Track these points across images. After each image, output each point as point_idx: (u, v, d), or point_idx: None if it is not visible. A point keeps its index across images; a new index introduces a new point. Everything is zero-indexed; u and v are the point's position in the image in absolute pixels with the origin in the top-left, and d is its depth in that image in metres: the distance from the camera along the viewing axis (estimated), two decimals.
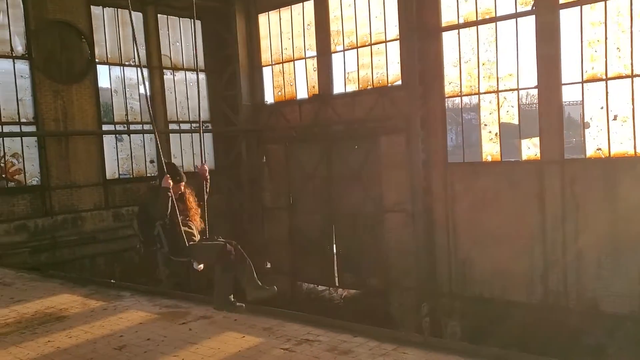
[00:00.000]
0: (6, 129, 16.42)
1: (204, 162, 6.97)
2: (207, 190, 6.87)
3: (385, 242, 18.71)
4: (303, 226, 21.16)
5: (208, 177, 6.88)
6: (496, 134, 16.50)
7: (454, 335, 17.08)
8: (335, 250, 20.42)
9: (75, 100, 17.87)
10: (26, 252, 14.97)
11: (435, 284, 17.58)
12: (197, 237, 6.72)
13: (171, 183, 6.38)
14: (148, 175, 20.12)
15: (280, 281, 21.70)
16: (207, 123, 22.23)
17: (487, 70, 16.48)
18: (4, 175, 16.53)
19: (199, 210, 6.81)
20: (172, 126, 20.93)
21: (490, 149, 16.62)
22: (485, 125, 16.68)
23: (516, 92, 16.09)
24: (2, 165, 16.50)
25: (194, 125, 21.82)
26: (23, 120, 16.87)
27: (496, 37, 16.12)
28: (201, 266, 6.66)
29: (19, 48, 16.91)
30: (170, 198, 6.30)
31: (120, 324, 7.54)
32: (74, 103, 17.83)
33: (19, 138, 16.73)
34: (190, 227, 6.65)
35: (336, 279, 20.48)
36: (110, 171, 19.07)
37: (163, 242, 6.50)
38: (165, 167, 6.58)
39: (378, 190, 18.85)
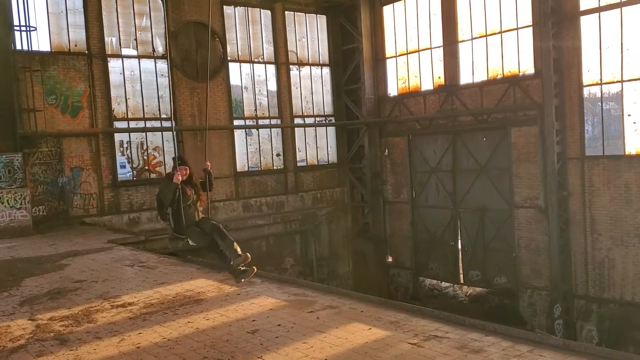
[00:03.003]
0: (148, 124, 17.75)
1: (206, 159, 8.87)
2: (211, 180, 8.41)
3: (515, 239, 17.89)
4: (426, 220, 20.81)
5: (210, 170, 8.45)
6: None
7: (590, 339, 16.00)
8: (460, 246, 19.87)
9: (209, 96, 18.85)
10: (166, 238, 16.06)
11: (569, 285, 16.57)
12: (200, 217, 8.07)
13: (180, 179, 7.65)
14: (275, 167, 20.84)
15: (401, 276, 21.64)
16: (331, 117, 22.55)
17: (632, 55, 15.19)
18: (147, 167, 17.92)
19: (204, 193, 8.26)
20: (297, 120, 21.46)
21: (635, 141, 15.33)
22: (629, 115, 15.39)
23: None
24: (145, 157, 17.88)
25: (318, 119, 22.23)
26: (163, 116, 18.16)
27: None
28: (194, 244, 8.19)
29: (160, 48, 18.19)
30: (177, 192, 7.64)
31: (252, 309, 7.83)
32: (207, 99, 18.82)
33: (160, 133, 17.99)
34: (193, 210, 7.96)
35: (461, 275, 19.92)
36: (240, 164, 19.97)
37: (171, 221, 7.91)
38: (178, 162, 7.91)
39: (507, 184, 18.05)
